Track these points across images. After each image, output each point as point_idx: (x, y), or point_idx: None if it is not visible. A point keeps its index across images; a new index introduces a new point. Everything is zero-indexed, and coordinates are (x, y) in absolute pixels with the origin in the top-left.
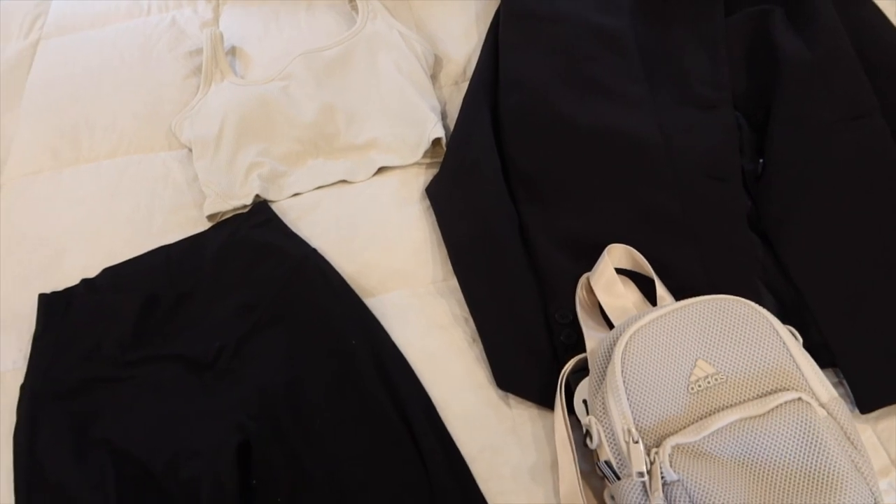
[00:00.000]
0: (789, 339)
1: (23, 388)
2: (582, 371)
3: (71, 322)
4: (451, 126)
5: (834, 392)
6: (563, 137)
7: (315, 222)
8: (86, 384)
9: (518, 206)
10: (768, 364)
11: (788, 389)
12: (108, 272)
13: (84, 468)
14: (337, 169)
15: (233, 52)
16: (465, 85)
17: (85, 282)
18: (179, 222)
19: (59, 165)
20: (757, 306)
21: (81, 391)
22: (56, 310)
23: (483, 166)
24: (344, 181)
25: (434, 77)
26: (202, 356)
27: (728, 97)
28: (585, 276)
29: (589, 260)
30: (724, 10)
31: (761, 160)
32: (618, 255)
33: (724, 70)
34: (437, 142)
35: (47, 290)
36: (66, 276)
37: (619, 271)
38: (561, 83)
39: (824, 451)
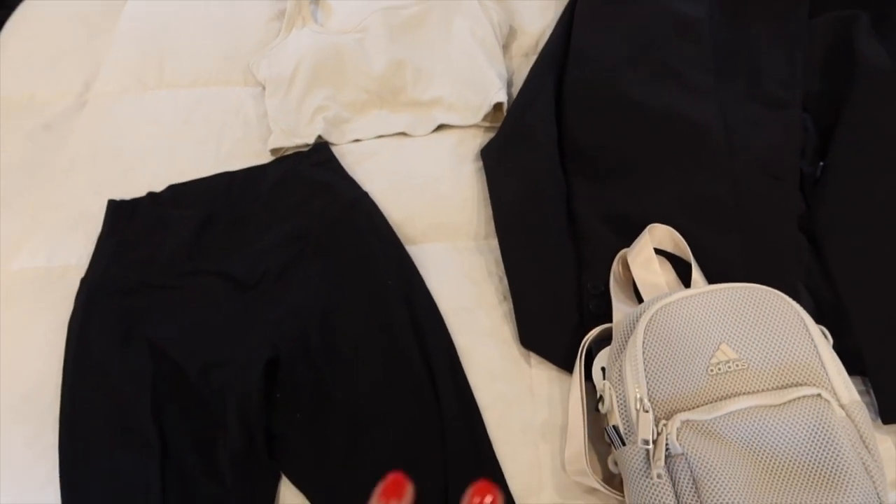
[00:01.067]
0: (818, 337)
1: (83, 281)
2: (605, 341)
3: (133, 229)
4: (515, 95)
5: (856, 395)
6: (623, 115)
7: (370, 169)
8: (138, 286)
9: (568, 176)
10: (793, 357)
11: (809, 385)
12: (173, 189)
13: (126, 359)
14: (399, 121)
15: (316, 1)
16: (535, 58)
17: (151, 195)
18: (245, 152)
19: (143, 88)
20: (790, 299)
21: (133, 292)
22: (122, 216)
23: (539, 133)
24: (403, 134)
25: (506, 47)
26: (247, 277)
27: (798, 98)
28: (624, 251)
29: (630, 237)
30: (809, 11)
31: (821, 164)
32: (659, 235)
33: (798, 71)
34: (498, 107)
35: (116, 198)
36: (134, 188)
37: (658, 252)
38: (629, 63)
39: (836, 448)
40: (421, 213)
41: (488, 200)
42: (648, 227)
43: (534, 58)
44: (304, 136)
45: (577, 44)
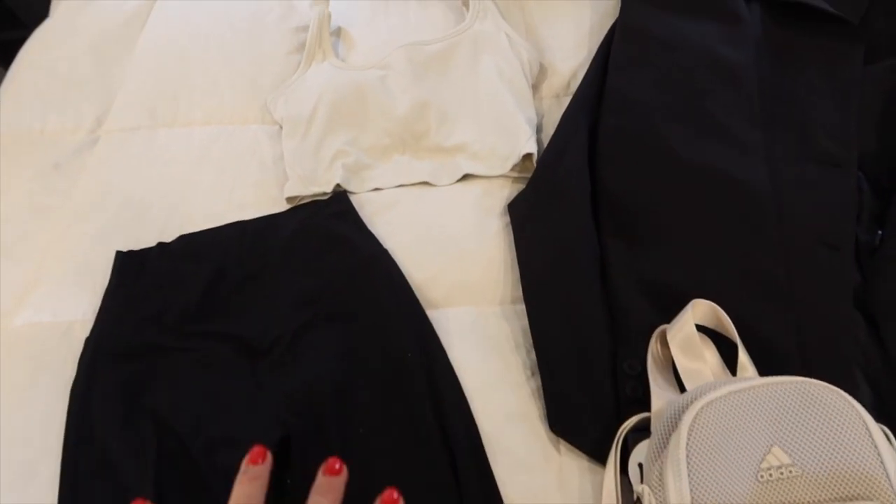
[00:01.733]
0: (881, 441)
1: (87, 341)
2: (642, 431)
3: (142, 283)
4: (546, 140)
5: None
6: (664, 172)
7: (390, 221)
8: (144, 349)
9: (602, 237)
10: (852, 465)
11: (870, 499)
12: (184, 239)
13: (129, 435)
14: (421, 169)
15: (338, 33)
16: (567, 100)
17: (160, 245)
18: (259, 199)
19: (155, 125)
20: (849, 397)
21: (139, 355)
22: (130, 269)
23: (572, 189)
24: (426, 183)
25: (535, 87)
26: (258, 341)
27: (854, 156)
28: (662, 328)
29: (670, 309)
30: (865, 58)
31: (880, 232)
32: (702, 311)
33: (853, 124)
34: (527, 157)
35: (124, 248)
36: (143, 236)
37: (700, 329)
38: (670, 113)
39: None
40: (444, 273)
41: (516, 261)
42: (692, 302)
43: (566, 100)
44: (321, 185)
45: (613, 87)
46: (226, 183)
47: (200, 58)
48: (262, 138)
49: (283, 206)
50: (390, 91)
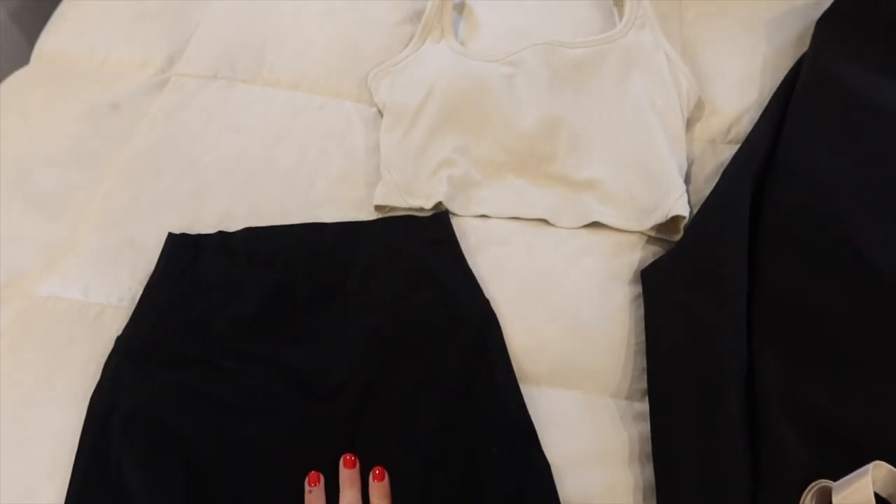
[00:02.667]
0: None
1: (118, 339)
2: None
3: (193, 278)
4: (694, 195)
5: None
6: (848, 275)
7: (497, 260)
8: (183, 361)
9: (754, 340)
10: None
11: None
12: (250, 234)
13: (152, 467)
14: (541, 200)
15: (461, 8)
16: (725, 148)
17: (221, 235)
18: (343, 197)
19: (235, 77)
20: None
21: (176, 367)
22: (181, 257)
23: (727, 279)
24: (544, 221)
25: (688, 124)
26: (318, 381)
27: None
28: (824, 483)
29: (833, 454)
30: None
31: None
32: (883, 475)
33: None
34: (674, 218)
35: (178, 229)
36: (202, 217)
37: (878, 498)
38: (865, 201)
39: None
40: (552, 345)
41: (643, 347)
42: (874, 463)
43: (723, 148)
44: (421, 197)
45: (789, 154)
46: (306, 170)
47: (296, 10)
48: (356, 120)
49: (369, 212)
50: (517, 96)
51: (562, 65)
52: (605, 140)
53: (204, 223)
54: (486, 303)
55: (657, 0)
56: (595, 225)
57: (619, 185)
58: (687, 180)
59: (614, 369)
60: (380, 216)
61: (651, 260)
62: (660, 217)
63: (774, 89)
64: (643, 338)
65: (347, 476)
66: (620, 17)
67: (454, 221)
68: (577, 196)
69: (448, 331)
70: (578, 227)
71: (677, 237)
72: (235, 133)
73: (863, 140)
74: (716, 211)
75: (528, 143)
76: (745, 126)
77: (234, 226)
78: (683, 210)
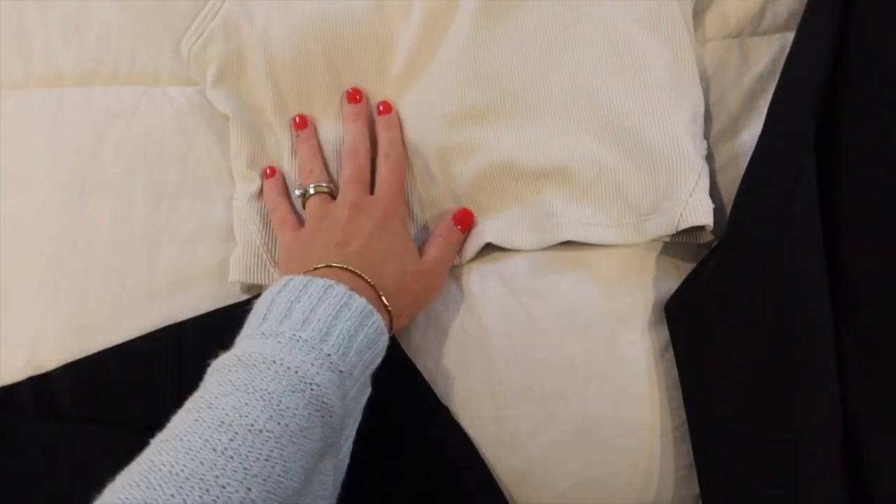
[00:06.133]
0: None
1: None
2: None
3: (4, 464)
4: (716, 143)
5: None
6: None
7: (433, 326)
8: None
9: (850, 392)
10: None
11: None
12: (75, 370)
13: None
14: (488, 223)
15: None
16: (761, 48)
17: (33, 382)
18: (203, 265)
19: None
20: None
21: None
22: None
23: (799, 302)
24: (490, 248)
25: (693, 16)
26: None
27: None
28: None
29: None
30: None
31: None
32: None
33: None
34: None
35: None
36: None
37: None
38: None
39: None
40: (549, 459)
41: (681, 407)
42: None
43: (756, 47)
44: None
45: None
46: (138, 231)
47: None
48: (192, 118)
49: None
50: (413, 46)
51: None
52: (559, 99)
53: (1, 367)
54: (449, 417)
55: None
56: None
57: (593, 171)
58: (708, 121)
59: (648, 480)
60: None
61: (676, 285)
62: (665, 225)
63: None
64: (685, 417)
65: (351, 110)
66: None
67: None
68: (530, 197)
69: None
70: (546, 249)
71: (707, 238)
72: (18, 186)
73: None
74: (766, 191)
75: (442, 125)
76: (788, 2)
77: (48, 359)
78: (703, 215)
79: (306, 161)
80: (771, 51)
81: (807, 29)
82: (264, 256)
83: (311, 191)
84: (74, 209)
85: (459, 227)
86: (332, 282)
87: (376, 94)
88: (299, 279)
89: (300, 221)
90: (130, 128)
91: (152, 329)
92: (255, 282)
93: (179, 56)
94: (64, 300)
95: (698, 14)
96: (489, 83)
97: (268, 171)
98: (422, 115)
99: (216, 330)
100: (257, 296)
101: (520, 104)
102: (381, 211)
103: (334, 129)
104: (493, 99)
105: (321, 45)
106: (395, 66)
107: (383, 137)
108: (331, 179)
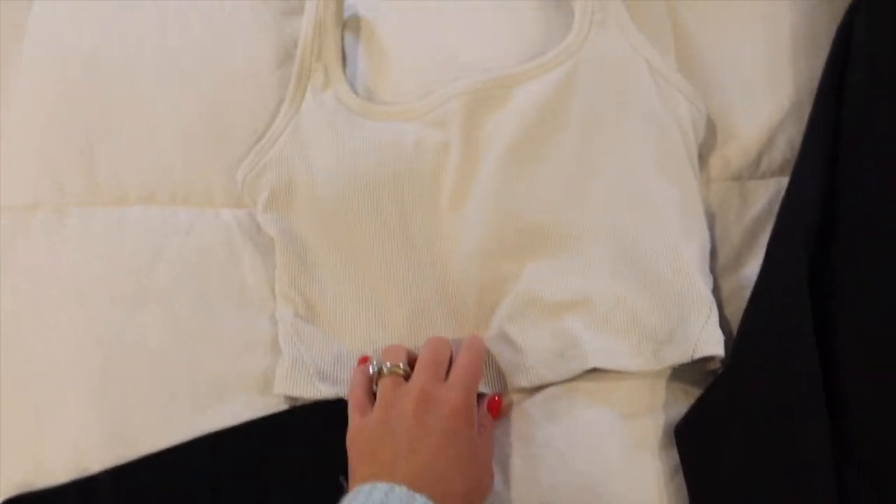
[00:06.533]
0: None
1: None
2: None
3: None
4: (720, 270)
5: None
6: None
7: None
8: None
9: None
10: None
11: None
12: (121, 474)
13: None
14: (501, 348)
15: (356, 26)
16: (759, 190)
17: (79, 486)
18: (245, 378)
19: (65, 201)
20: None
21: None
22: None
23: (801, 429)
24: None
25: (699, 159)
26: None
27: None
28: None
29: None
30: None
31: None
32: None
33: None
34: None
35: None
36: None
37: None
38: None
39: None
40: None
41: None
42: None
43: (754, 189)
44: (337, 384)
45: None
46: (182, 347)
47: (124, 88)
48: (241, 241)
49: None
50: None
51: (503, 124)
52: (580, 235)
53: (47, 468)
54: None
55: None
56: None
57: (612, 302)
58: (713, 256)
59: None
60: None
61: (685, 409)
62: (681, 354)
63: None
64: None
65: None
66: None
67: None
68: (555, 326)
69: None
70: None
71: (715, 366)
72: (76, 297)
73: None
74: (768, 324)
75: (477, 263)
76: (781, 150)
77: (93, 463)
78: (716, 345)
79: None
80: (768, 193)
81: (800, 174)
82: (311, 371)
83: (385, 371)
84: (126, 319)
85: (493, 414)
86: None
87: (420, 231)
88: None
89: (372, 403)
90: (184, 245)
91: (195, 436)
92: (301, 395)
93: (233, 180)
94: (110, 406)
95: (702, 157)
96: (517, 222)
97: (361, 359)
98: (459, 252)
99: (252, 440)
100: (294, 407)
101: (543, 240)
102: (451, 409)
103: (379, 269)
104: (521, 236)
105: (366, 182)
106: (437, 206)
107: (471, 340)
108: (410, 356)
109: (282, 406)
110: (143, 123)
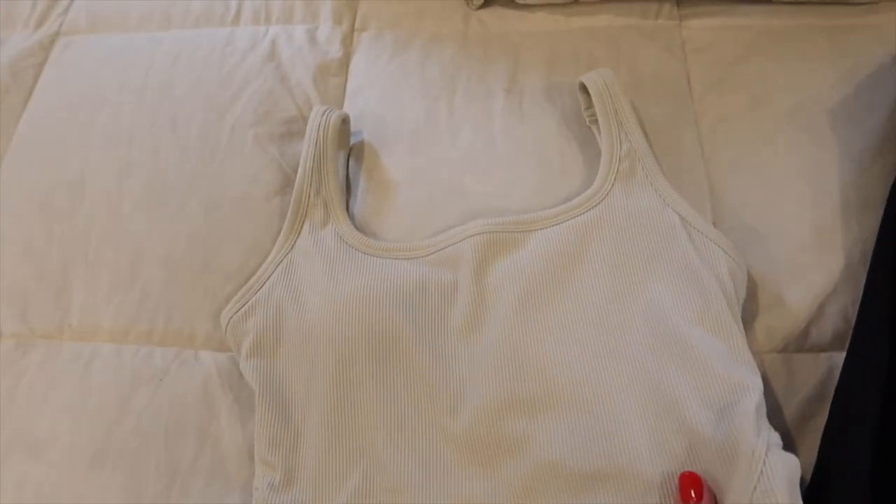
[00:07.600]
0: None
1: None
2: None
3: None
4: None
5: None
6: None
7: None
8: None
9: None
10: None
11: None
12: None
13: None
14: None
15: (359, 155)
16: (808, 365)
17: None
18: None
19: (31, 335)
20: None
21: None
22: None
23: None
24: None
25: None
26: None
27: None
28: None
29: None
30: None
31: None
32: None
33: None
34: None
35: None
36: None
37: None
38: None
39: None
40: None
41: None
42: None
43: (802, 363)
44: None
45: None
46: None
47: (106, 214)
48: (221, 395)
49: None
50: (449, 350)
51: (518, 269)
52: (613, 390)
53: None
54: None
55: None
56: None
57: (656, 473)
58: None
59: None
60: None
61: None
62: None
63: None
64: None
65: None
66: (599, 138)
67: None
68: (583, 493)
69: None
70: None
71: None
72: (29, 450)
73: None
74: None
75: (487, 417)
76: (833, 321)
77: None
78: None
79: None
80: (818, 370)
81: (858, 349)
82: None
83: None
84: (82, 481)
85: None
86: None
87: (423, 378)
88: None
89: None
90: (156, 396)
91: None
92: None
93: (216, 320)
94: None
95: (744, 323)
96: (533, 373)
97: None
98: (466, 405)
99: None
100: None
101: (569, 396)
102: None
103: (373, 401)
104: (539, 390)
105: (361, 326)
106: (440, 352)
107: None
108: None
109: None
110: (125, 254)
